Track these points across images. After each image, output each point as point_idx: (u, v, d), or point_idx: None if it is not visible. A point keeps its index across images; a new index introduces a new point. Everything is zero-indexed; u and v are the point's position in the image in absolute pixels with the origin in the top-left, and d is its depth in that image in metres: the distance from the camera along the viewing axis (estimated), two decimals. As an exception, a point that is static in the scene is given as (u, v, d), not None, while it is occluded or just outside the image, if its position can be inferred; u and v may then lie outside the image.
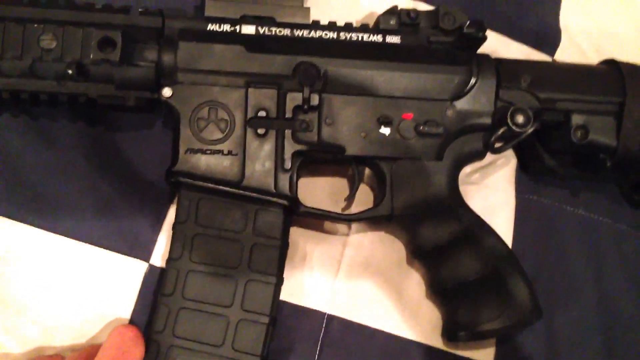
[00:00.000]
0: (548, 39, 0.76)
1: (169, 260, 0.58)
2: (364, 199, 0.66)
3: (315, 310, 0.63)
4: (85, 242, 0.61)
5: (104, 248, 0.61)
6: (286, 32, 0.61)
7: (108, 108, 0.61)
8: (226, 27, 0.60)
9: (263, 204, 0.59)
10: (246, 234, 0.58)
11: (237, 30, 0.60)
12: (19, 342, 0.59)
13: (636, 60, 0.67)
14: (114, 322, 0.60)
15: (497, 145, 0.63)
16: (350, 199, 0.64)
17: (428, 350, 0.64)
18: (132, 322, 0.60)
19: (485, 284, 0.60)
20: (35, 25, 0.56)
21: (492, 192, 0.69)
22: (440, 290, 0.62)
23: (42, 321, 0.59)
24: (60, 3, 0.58)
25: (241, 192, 0.58)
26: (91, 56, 0.56)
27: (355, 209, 0.64)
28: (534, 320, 0.60)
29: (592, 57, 0.74)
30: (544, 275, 0.67)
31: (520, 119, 0.61)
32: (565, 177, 0.70)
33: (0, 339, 0.58)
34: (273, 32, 0.61)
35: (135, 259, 0.62)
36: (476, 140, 0.63)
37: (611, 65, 0.67)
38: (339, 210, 0.64)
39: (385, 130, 0.61)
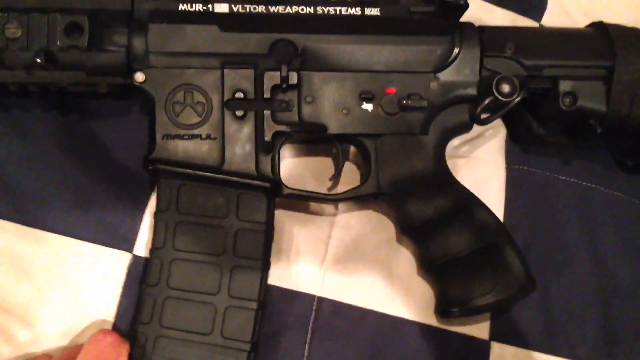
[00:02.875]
0: (534, 3, 0.75)
1: (152, 250, 0.57)
2: (350, 177, 0.65)
3: (305, 293, 0.62)
4: (65, 235, 0.60)
5: (85, 240, 0.60)
6: (261, 9, 0.59)
7: (81, 96, 0.60)
8: (198, 7, 0.58)
9: (245, 187, 0.57)
10: (230, 219, 0.57)
11: (210, 9, 0.58)
12: (5, 341, 0.58)
13: (624, 22, 0.65)
14: (99, 317, 0.59)
15: (484, 116, 0.62)
16: (335, 178, 0.63)
17: (421, 327, 0.63)
18: (118, 314, 0.59)
19: (477, 258, 0.59)
20: None
21: (481, 165, 0.68)
22: (431, 267, 0.61)
23: (26, 317, 0.58)
24: None
25: (222, 176, 0.57)
26: (58, 43, 0.54)
27: (341, 188, 0.63)
28: (528, 293, 0.59)
29: (580, 21, 0.71)
30: (537, 246, 0.66)
31: (506, 88, 0.59)
32: (555, 146, 0.69)
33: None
34: (247, 10, 0.59)
35: (118, 250, 0.60)
36: (462, 112, 0.62)
37: (599, 28, 0.65)
38: (324, 191, 0.63)
39: (368, 106, 0.59)
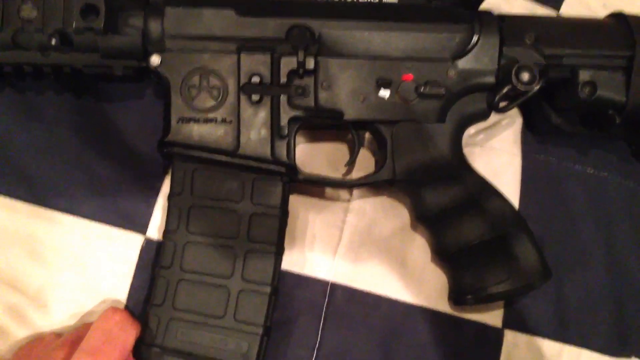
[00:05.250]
0: (552, -7, 0.74)
1: (165, 233, 0.57)
2: (365, 164, 0.64)
3: (318, 279, 0.62)
4: (79, 216, 0.60)
5: (99, 222, 0.60)
6: None
7: (95, 78, 0.60)
8: None
9: (260, 172, 0.57)
10: (244, 203, 0.57)
11: None
12: (17, 321, 0.58)
13: (644, 13, 0.65)
14: (110, 297, 0.59)
15: (502, 104, 0.61)
16: (350, 164, 0.63)
17: (434, 314, 0.63)
18: (129, 296, 0.60)
19: (492, 246, 0.59)
20: None
21: (497, 153, 0.68)
22: (445, 255, 0.61)
23: (39, 298, 0.58)
24: None
25: (237, 160, 0.56)
26: (74, 25, 0.54)
27: (356, 174, 0.63)
28: (543, 282, 0.59)
29: (598, 11, 0.71)
30: (552, 236, 0.66)
31: (525, 76, 0.59)
32: (573, 135, 0.68)
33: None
34: None
35: (131, 232, 0.61)
36: (479, 100, 0.61)
37: (619, 18, 0.64)
38: (339, 177, 0.63)
39: (385, 93, 0.59)
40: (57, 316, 0.59)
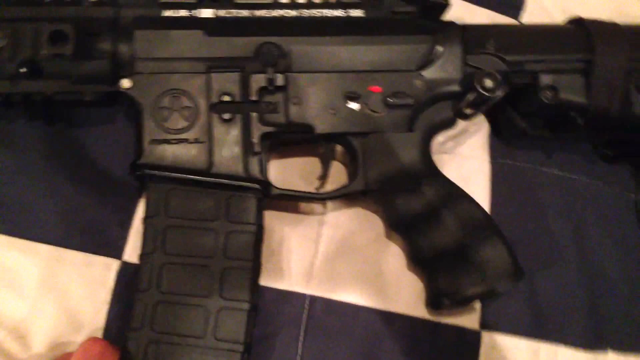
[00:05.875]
0: (512, 2, 0.76)
1: (142, 256, 0.56)
2: (337, 176, 0.65)
3: (297, 293, 0.63)
4: (53, 244, 0.60)
5: (73, 249, 0.60)
6: (245, 13, 0.60)
7: (66, 105, 0.60)
8: (183, 12, 0.59)
9: (234, 189, 0.58)
10: (220, 222, 0.57)
11: (195, 15, 0.59)
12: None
13: (601, 18, 0.67)
14: (89, 324, 0.59)
15: (468, 111, 0.63)
16: (323, 177, 0.63)
17: (413, 321, 0.64)
18: (108, 321, 0.59)
19: (465, 249, 0.60)
20: None
21: (466, 160, 0.69)
22: (420, 261, 0.62)
23: (17, 329, 0.58)
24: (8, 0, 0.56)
25: (211, 179, 0.57)
26: (44, 52, 0.55)
27: (328, 187, 0.63)
28: (516, 282, 0.60)
29: (558, 18, 0.73)
30: (524, 238, 0.67)
31: (488, 83, 0.60)
32: (538, 139, 0.70)
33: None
34: (232, 14, 0.59)
35: (107, 257, 0.60)
36: (446, 108, 0.63)
37: (577, 23, 0.67)
38: (312, 190, 0.64)
39: (354, 105, 0.60)
40: (37, 347, 0.58)
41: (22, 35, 0.55)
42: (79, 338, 0.58)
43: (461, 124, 0.66)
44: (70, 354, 0.53)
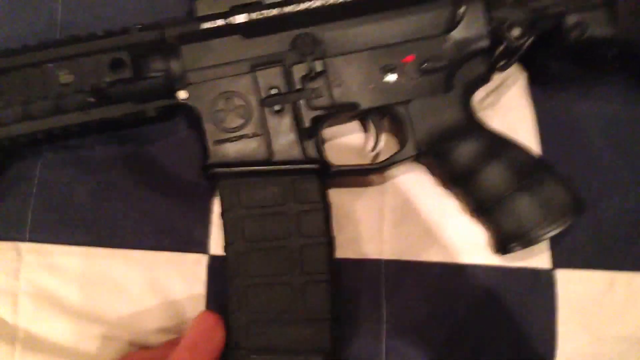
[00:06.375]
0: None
1: (226, 247, 0.61)
2: (389, 145, 0.68)
3: (372, 259, 0.66)
4: (147, 249, 0.66)
5: (166, 250, 0.66)
6: (275, 11, 0.64)
7: (133, 125, 0.66)
8: (219, 22, 0.63)
9: (296, 173, 0.61)
10: (289, 204, 0.61)
11: (230, 22, 0.63)
12: (113, 352, 0.64)
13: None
14: (191, 316, 0.64)
15: (501, 64, 0.65)
16: (375, 149, 0.67)
17: (485, 269, 0.66)
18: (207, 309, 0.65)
19: (524, 192, 0.62)
20: (51, 65, 0.60)
21: (509, 111, 0.70)
22: (482, 211, 0.64)
23: (130, 330, 0.65)
24: (66, 39, 0.61)
25: (273, 167, 0.61)
26: (107, 79, 0.60)
27: (383, 157, 0.66)
28: (578, 214, 0.62)
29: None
30: (579, 173, 0.68)
31: (516, 32, 0.62)
32: (574, 79, 0.71)
33: (97, 350, 0.64)
34: (264, 15, 0.63)
35: (196, 254, 0.66)
36: (479, 64, 0.64)
37: None
38: (368, 163, 0.67)
39: (392, 77, 0.63)
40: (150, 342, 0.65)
41: (85, 68, 0.60)
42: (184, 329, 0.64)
43: (498, 77, 0.68)
44: (178, 338, 0.58)
